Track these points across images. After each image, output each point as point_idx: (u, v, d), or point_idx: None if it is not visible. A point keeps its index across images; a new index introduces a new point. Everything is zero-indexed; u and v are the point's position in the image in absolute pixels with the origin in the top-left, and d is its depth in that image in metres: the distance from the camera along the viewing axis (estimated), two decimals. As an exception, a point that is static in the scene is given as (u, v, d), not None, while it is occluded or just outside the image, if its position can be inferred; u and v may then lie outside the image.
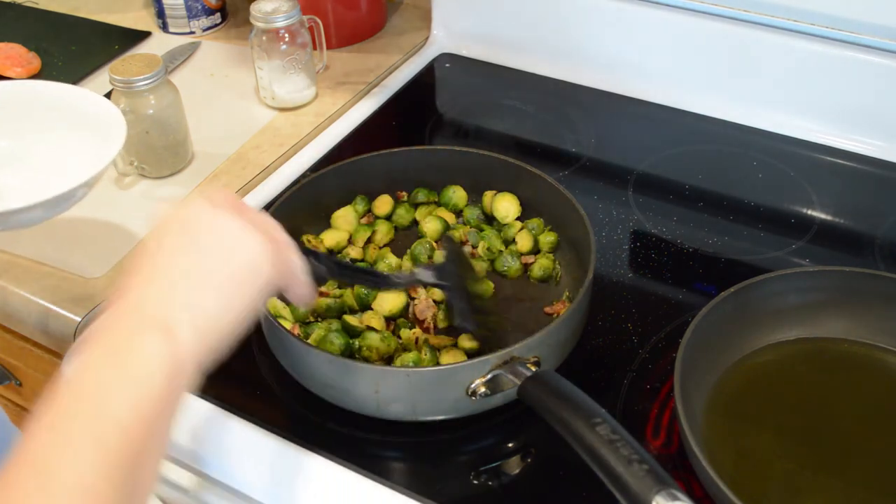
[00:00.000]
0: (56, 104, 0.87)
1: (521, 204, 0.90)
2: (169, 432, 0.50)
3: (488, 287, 0.84)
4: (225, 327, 0.54)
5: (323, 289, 0.84)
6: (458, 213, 0.92)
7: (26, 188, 0.81)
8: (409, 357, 0.75)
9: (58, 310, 0.86)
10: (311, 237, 0.88)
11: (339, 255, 0.88)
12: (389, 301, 0.81)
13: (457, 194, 0.92)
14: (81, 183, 0.78)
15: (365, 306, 0.82)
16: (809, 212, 0.95)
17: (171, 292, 0.53)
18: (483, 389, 0.69)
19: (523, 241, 0.87)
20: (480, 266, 0.86)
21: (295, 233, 0.87)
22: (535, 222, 0.89)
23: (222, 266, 0.55)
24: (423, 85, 1.20)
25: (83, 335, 0.51)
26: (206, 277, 0.54)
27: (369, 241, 0.89)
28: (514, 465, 0.72)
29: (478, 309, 0.77)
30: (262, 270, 0.57)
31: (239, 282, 0.55)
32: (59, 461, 0.44)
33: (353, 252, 0.88)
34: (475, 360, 0.68)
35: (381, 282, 0.75)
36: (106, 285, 0.87)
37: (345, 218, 0.91)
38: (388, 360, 0.77)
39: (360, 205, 0.92)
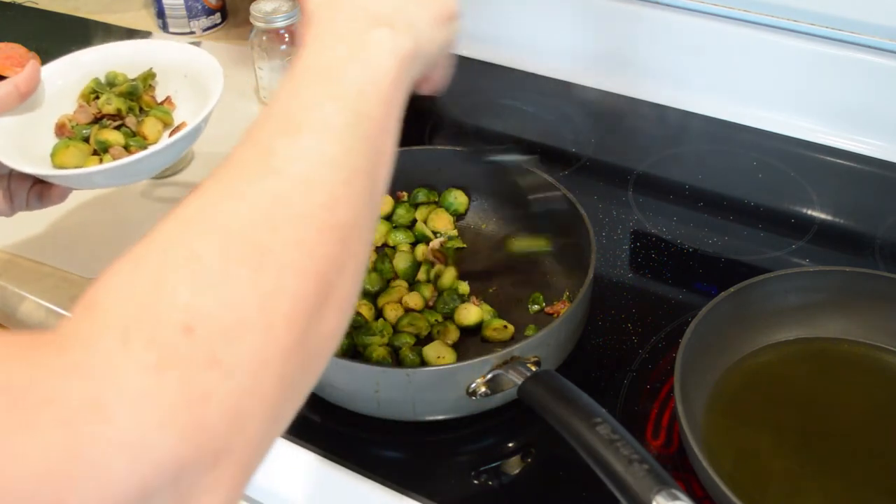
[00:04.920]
0: (171, 63, 0.89)
1: (522, 204, 0.90)
2: (397, 131, 0.48)
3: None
4: (430, 49, 0.54)
5: None
6: (459, 217, 0.92)
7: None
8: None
9: (58, 310, 0.86)
10: None
11: None
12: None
13: (458, 199, 0.92)
14: (188, 132, 0.79)
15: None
16: (809, 212, 0.95)
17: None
18: (483, 389, 0.69)
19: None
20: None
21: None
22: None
23: None
24: (423, 85, 1.19)
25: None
26: None
27: None
28: (514, 465, 0.72)
29: None
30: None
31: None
32: (305, 119, 0.44)
33: None
34: (475, 360, 0.68)
35: None
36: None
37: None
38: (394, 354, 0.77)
39: (360, 205, 0.91)
